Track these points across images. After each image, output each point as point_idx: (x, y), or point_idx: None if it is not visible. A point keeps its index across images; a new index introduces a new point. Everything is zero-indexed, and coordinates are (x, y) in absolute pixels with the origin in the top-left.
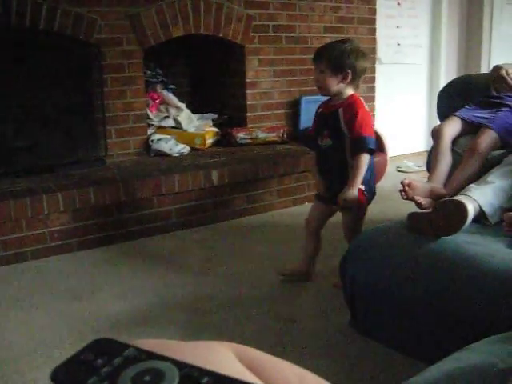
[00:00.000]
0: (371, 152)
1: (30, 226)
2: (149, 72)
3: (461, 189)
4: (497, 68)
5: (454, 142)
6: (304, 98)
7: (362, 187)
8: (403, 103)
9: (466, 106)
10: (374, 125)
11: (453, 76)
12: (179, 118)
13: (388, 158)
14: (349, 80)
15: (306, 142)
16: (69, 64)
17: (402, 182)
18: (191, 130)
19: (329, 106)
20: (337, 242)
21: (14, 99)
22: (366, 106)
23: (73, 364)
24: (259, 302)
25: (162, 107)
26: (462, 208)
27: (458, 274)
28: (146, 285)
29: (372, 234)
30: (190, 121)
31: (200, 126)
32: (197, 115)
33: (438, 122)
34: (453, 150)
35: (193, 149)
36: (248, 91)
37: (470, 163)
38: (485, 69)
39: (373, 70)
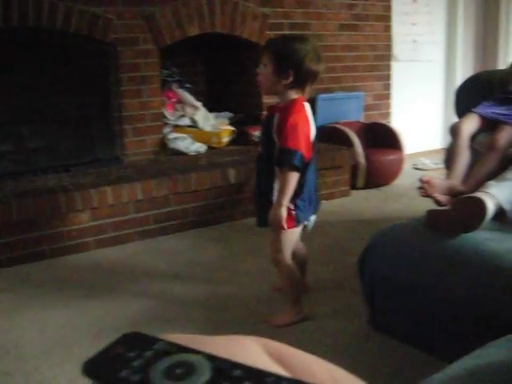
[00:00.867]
0: (295, 169)
1: (48, 224)
2: (165, 71)
3: (479, 186)
4: None
5: (473, 138)
6: (320, 97)
7: (292, 206)
8: (419, 100)
9: (484, 103)
10: (308, 137)
11: (469, 73)
12: (195, 117)
13: (404, 156)
14: (289, 81)
15: None
16: (85, 64)
17: (420, 179)
18: (207, 128)
19: (271, 109)
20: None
21: (31, 99)
22: (309, 114)
23: (104, 357)
24: (277, 300)
25: (178, 106)
26: (481, 205)
27: (479, 271)
28: (163, 282)
29: (390, 231)
30: (206, 119)
31: (216, 125)
32: (213, 114)
33: (455, 119)
34: (471, 147)
35: (209, 147)
36: None
37: (488, 160)
38: (502, 65)
39: (388, 68)
